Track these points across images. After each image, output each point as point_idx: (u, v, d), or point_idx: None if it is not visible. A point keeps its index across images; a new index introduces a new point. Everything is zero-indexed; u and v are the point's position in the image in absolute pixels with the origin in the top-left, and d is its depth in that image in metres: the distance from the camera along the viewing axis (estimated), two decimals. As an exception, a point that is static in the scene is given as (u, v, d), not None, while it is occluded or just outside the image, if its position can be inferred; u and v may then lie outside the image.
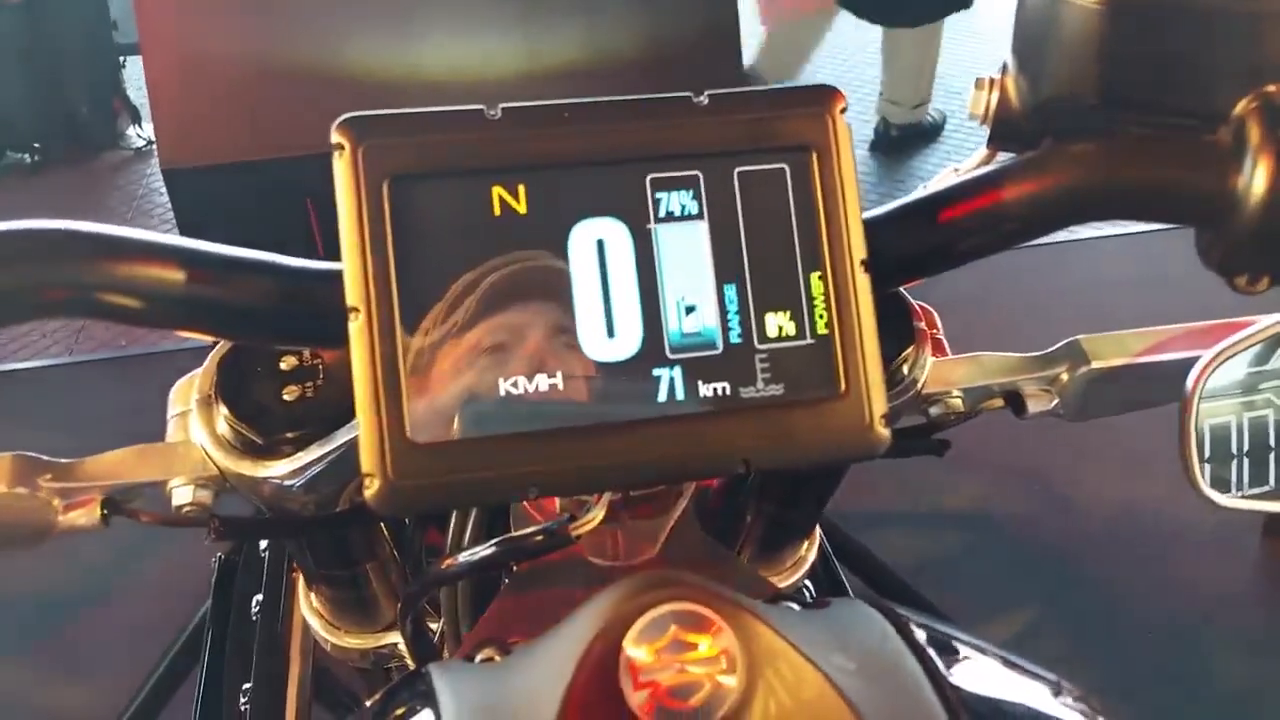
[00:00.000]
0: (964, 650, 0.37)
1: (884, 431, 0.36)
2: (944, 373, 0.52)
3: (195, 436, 0.47)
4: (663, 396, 0.35)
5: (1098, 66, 0.39)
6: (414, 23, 1.31)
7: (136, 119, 3.20)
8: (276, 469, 0.46)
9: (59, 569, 1.65)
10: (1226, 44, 0.38)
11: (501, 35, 1.27)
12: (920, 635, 0.35)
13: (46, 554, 0.47)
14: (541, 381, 0.35)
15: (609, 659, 0.32)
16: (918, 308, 0.53)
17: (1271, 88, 0.38)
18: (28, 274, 0.35)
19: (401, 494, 0.33)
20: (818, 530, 0.67)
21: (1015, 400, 0.53)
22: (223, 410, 0.46)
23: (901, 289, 0.52)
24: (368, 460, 0.33)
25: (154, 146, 3.16)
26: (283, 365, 0.47)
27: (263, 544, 0.84)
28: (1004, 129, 0.44)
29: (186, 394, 0.48)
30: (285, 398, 0.46)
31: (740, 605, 0.33)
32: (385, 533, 0.61)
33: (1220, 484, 0.53)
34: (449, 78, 1.26)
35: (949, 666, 0.35)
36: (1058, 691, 0.37)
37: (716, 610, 0.33)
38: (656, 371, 0.35)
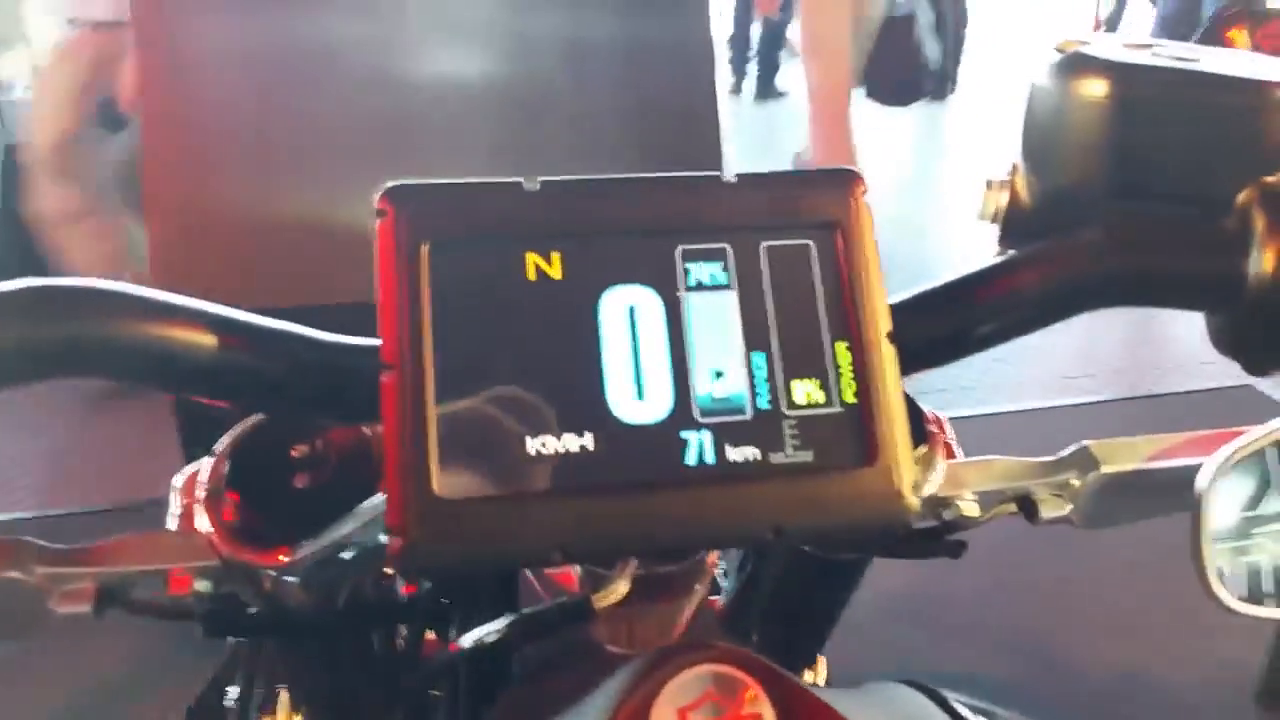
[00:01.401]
0: None
1: (914, 500, 0.36)
2: (956, 475, 0.52)
3: (200, 524, 0.46)
4: (692, 460, 0.35)
5: (1105, 159, 0.41)
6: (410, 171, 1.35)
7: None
8: (282, 558, 0.45)
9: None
10: (1228, 136, 0.40)
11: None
12: (964, 711, 0.34)
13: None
14: (570, 441, 0.34)
15: None
16: (928, 413, 0.53)
17: (1272, 178, 0.39)
18: (62, 329, 0.35)
19: (425, 551, 0.33)
20: (822, 663, 0.65)
21: (1028, 505, 0.53)
22: (230, 496, 0.45)
23: (911, 397, 0.52)
24: (393, 516, 0.33)
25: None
26: (293, 454, 0.46)
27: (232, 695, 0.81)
28: (1014, 227, 0.45)
29: (192, 483, 0.47)
30: (295, 485, 0.46)
31: (778, 672, 0.32)
32: (379, 652, 0.59)
33: (1237, 590, 0.52)
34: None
35: None
36: None
37: (752, 675, 0.31)
38: (685, 434, 0.35)
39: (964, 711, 0.34)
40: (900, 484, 0.36)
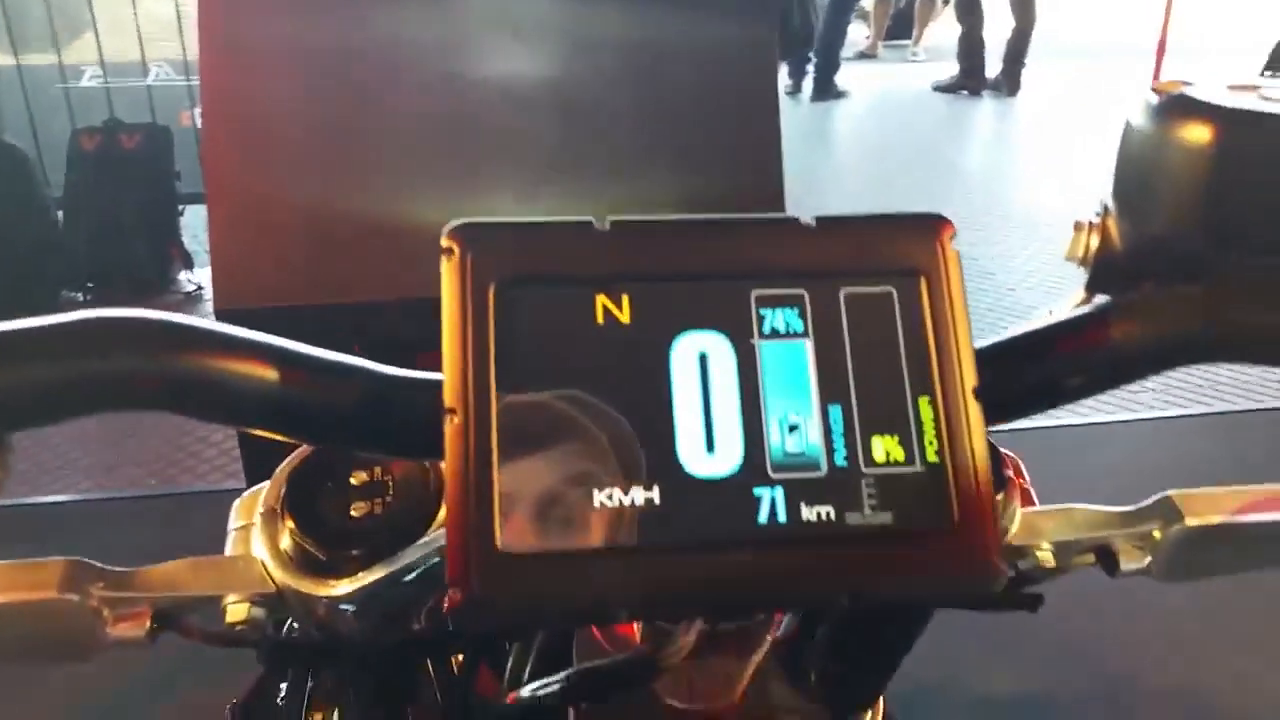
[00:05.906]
0: None
1: (1001, 565, 0.34)
2: (1033, 524, 0.50)
3: (256, 551, 0.45)
4: (763, 518, 0.33)
5: (1204, 207, 0.39)
6: (477, 180, 1.36)
7: (189, 265, 3.32)
8: (339, 588, 0.44)
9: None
10: None
11: (561, 188, 1.31)
12: None
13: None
14: (638, 495, 0.33)
15: None
16: (1005, 456, 0.51)
17: None
18: (121, 362, 0.35)
19: (485, 606, 0.32)
20: (881, 705, 0.64)
21: (1106, 556, 0.51)
22: (288, 524, 0.45)
23: (991, 441, 0.51)
24: (453, 568, 0.32)
25: (202, 291, 3.25)
26: (353, 481, 0.46)
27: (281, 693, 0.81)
28: (1104, 271, 0.43)
29: (250, 508, 0.47)
30: (353, 514, 0.45)
31: None
32: (432, 675, 0.58)
33: None
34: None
35: None
36: None
37: None
38: (757, 491, 0.34)
39: None
40: (985, 549, 0.34)
